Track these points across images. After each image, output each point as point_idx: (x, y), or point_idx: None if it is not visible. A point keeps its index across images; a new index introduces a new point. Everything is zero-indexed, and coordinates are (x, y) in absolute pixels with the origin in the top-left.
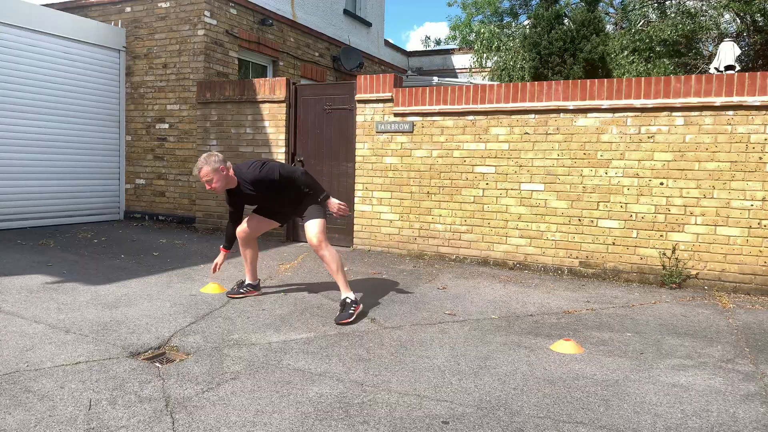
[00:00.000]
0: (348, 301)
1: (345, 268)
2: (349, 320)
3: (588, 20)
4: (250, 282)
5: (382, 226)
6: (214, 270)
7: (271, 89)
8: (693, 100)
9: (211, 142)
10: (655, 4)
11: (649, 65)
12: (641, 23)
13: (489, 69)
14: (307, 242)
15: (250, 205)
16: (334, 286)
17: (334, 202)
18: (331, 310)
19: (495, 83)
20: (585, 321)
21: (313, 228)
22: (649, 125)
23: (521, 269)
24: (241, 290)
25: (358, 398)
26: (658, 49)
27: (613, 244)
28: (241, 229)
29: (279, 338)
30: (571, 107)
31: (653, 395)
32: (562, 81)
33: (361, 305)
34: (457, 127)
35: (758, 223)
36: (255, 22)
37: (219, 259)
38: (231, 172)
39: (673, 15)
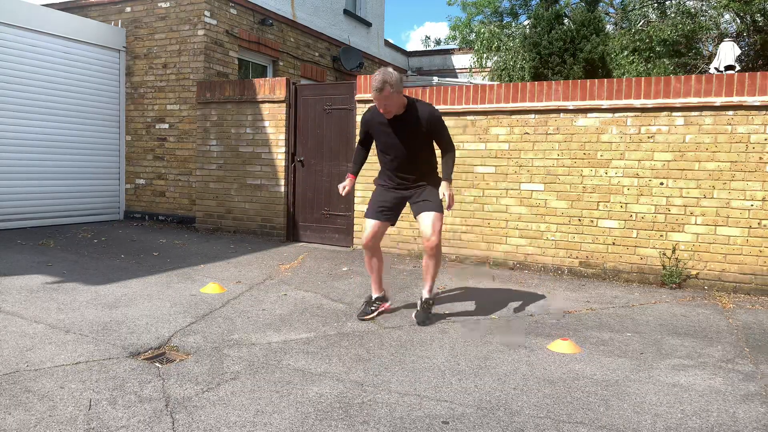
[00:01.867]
0: (431, 302)
1: (344, 268)
2: (425, 323)
3: (588, 20)
4: (379, 295)
5: None
6: (343, 193)
7: (271, 89)
8: (693, 100)
9: (211, 142)
10: (655, 4)
11: (649, 65)
12: (641, 23)
13: (489, 69)
14: (306, 243)
15: (388, 149)
16: (334, 287)
17: (450, 190)
18: (332, 310)
19: (495, 83)
20: (585, 321)
21: (437, 223)
22: (649, 125)
23: (521, 269)
24: (372, 308)
25: (358, 398)
26: (658, 49)
27: (613, 244)
28: (367, 237)
29: (279, 338)
30: (571, 107)
31: (653, 395)
32: (562, 81)
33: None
34: (457, 127)
35: (758, 223)
36: (255, 22)
37: (348, 182)
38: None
39: (673, 15)
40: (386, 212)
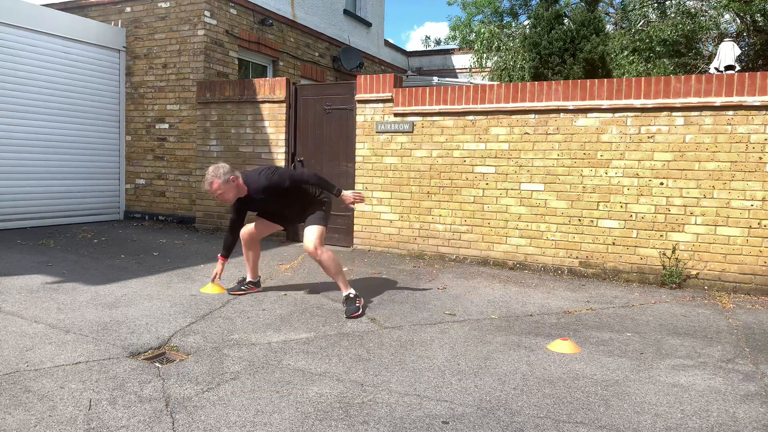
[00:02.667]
0: (351, 296)
1: (344, 268)
2: (359, 313)
3: (588, 20)
4: (251, 279)
5: (382, 226)
6: (213, 280)
7: (271, 89)
8: (693, 100)
9: (211, 142)
10: (655, 4)
11: (649, 65)
12: (641, 23)
13: (489, 69)
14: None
15: (259, 211)
16: (333, 287)
17: (348, 195)
18: (332, 310)
19: (495, 83)
20: (585, 321)
21: (311, 234)
22: (649, 125)
23: (521, 269)
24: (242, 287)
25: (358, 398)
26: (658, 49)
27: (613, 244)
28: (247, 231)
29: (279, 338)
30: (571, 107)
31: (653, 395)
32: (562, 81)
33: (363, 299)
34: (457, 127)
35: (758, 223)
36: (255, 22)
37: (218, 268)
38: (240, 181)
39: (673, 15)
40: (274, 219)
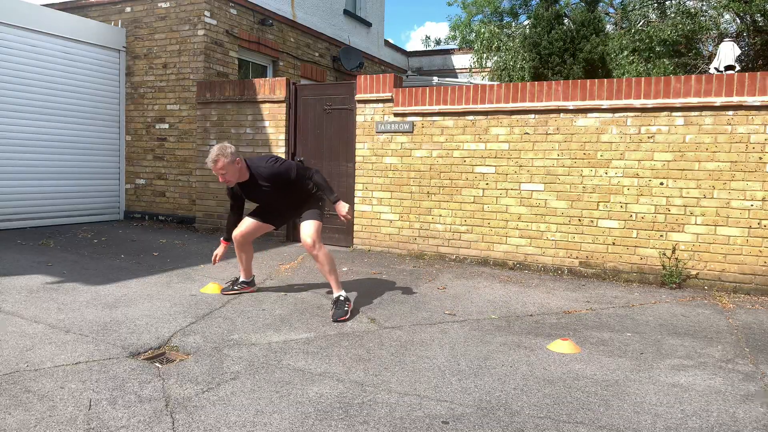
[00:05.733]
0: (341, 298)
1: (344, 268)
2: (346, 317)
3: (588, 20)
4: (245, 279)
5: (382, 226)
6: (215, 261)
7: (271, 89)
8: (693, 100)
9: (211, 142)
10: (655, 4)
11: (649, 65)
12: (641, 23)
13: (489, 69)
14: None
15: (255, 200)
16: None
17: (343, 207)
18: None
19: (495, 83)
20: (585, 321)
21: (308, 228)
22: (649, 125)
23: (521, 269)
24: (235, 287)
25: (358, 398)
26: (658, 49)
27: (613, 244)
28: (238, 233)
29: (279, 338)
30: (571, 107)
31: (653, 395)
32: (562, 81)
33: (352, 303)
34: (457, 127)
35: (758, 223)
36: (255, 22)
37: (219, 250)
38: (244, 164)
39: (673, 15)
40: (266, 218)
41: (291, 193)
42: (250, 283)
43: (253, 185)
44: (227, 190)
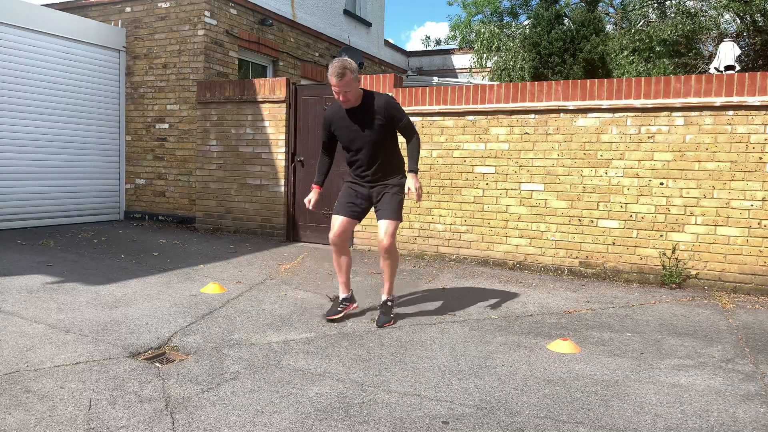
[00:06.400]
0: (389, 303)
1: None
2: (391, 323)
3: (588, 20)
4: (346, 295)
5: None
6: (311, 207)
7: (271, 89)
8: (693, 100)
9: (211, 142)
10: (655, 4)
11: (649, 65)
12: (641, 23)
13: (489, 69)
14: (306, 243)
15: (350, 146)
16: (334, 287)
17: (416, 182)
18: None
19: (495, 83)
20: (585, 321)
21: (390, 227)
22: (649, 125)
23: (521, 269)
24: (339, 308)
25: (358, 398)
26: (658, 49)
27: (613, 244)
28: (334, 234)
29: (279, 338)
30: (571, 107)
31: (653, 395)
32: (562, 81)
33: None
34: (457, 127)
35: (758, 223)
36: (255, 22)
37: (313, 196)
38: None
39: (673, 15)
40: (355, 209)
41: (388, 151)
42: (351, 300)
43: (361, 118)
44: (323, 124)
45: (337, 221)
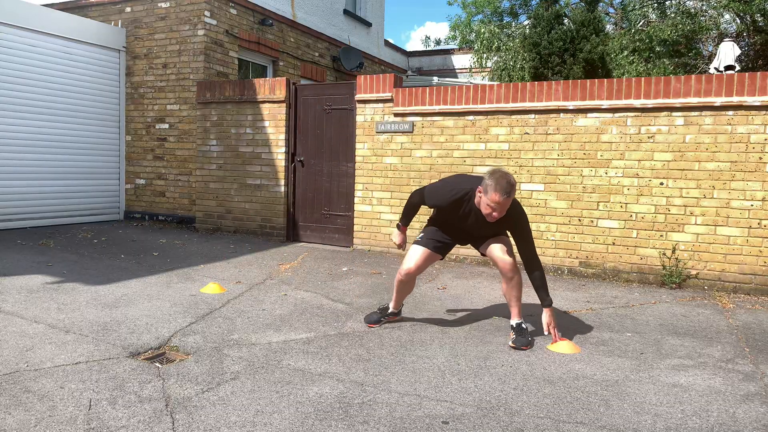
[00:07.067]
0: (524, 326)
1: (344, 268)
2: (529, 346)
3: (588, 20)
4: (394, 310)
5: (382, 226)
6: (398, 244)
7: (271, 89)
8: (693, 100)
9: (211, 142)
10: (655, 4)
11: (649, 65)
12: (641, 23)
13: (489, 69)
14: (306, 243)
15: (452, 235)
16: (334, 287)
17: (549, 318)
18: (331, 310)
19: (495, 83)
20: (585, 321)
21: (506, 246)
22: (649, 125)
23: (521, 269)
24: (382, 318)
25: (358, 398)
26: (658, 49)
27: (613, 244)
28: (414, 266)
29: (279, 338)
30: (571, 107)
31: (653, 395)
32: (562, 81)
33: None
34: (457, 127)
35: (758, 223)
36: (255, 22)
37: (400, 239)
38: None
39: (673, 15)
40: (438, 246)
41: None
42: (397, 315)
43: (480, 223)
44: (433, 198)
45: (418, 252)
